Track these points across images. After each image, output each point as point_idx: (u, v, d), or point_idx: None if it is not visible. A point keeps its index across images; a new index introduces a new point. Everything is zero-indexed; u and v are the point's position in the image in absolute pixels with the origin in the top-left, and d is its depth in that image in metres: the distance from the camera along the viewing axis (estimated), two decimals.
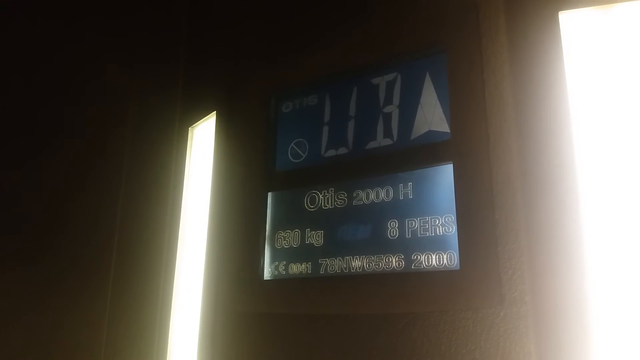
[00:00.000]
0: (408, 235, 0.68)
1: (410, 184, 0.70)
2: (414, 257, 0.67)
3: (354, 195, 0.74)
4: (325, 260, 0.74)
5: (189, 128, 1.01)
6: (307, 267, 0.75)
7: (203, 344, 0.81)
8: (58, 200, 1.19)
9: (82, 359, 1.02)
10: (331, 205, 0.76)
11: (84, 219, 1.13)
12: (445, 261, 0.64)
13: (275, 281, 0.78)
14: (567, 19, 0.65)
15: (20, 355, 1.12)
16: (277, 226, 0.80)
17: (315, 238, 0.76)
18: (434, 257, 0.65)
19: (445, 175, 0.67)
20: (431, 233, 0.66)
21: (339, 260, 0.73)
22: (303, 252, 0.76)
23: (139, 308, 0.95)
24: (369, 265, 0.70)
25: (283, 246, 0.79)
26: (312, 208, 0.78)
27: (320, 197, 0.77)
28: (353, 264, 0.71)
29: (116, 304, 1.00)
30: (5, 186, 1.30)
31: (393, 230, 0.69)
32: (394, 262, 0.68)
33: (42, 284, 1.14)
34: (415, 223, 0.68)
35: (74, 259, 1.11)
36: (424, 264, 0.66)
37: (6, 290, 1.19)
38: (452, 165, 0.65)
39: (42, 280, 1.14)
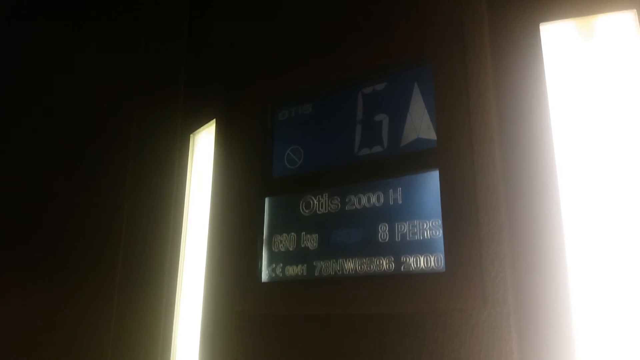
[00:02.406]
0: (398, 238, 0.71)
1: (399, 189, 0.73)
2: (403, 259, 0.70)
3: (347, 200, 0.77)
4: (320, 263, 0.77)
5: (191, 135, 1.04)
6: (302, 270, 0.79)
7: (204, 343, 0.85)
8: (66, 206, 1.23)
9: (90, 357, 1.05)
10: (325, 210, 0.79)
11: (90, 225, 1.17)
12: (432, 263, 0.67)
13: (273, 283, 0.81)
14: (548, 31, 0.68)
15: (30, 355, 1.16)
16: (274, 230, 0.84)
17: (311, 241, 0.79)
18: (422, 259, 0.68)
19: (432, 181, 0.70)
20: (419, 236, 0.69)
21: (333, 262, 0.76)
22: (299, 255, 0.80)
23: (144, 309, 0.98)
24: (361, 268, 0.73)
25: (280, 249, 0.82)
26: (307, 213, 0.81)
27: (315, 202, 0.80)
28: (346, 266, 0.74)
29: (122, 305, 1.04)
30: (13, 193, 1.34)
31: (384, 234, 0.72)
32: (385, 264, 0.71)
33: (51, 287, 1.18)
34: (405, 227, 0.71)
35: (81, 263, 1.15)
36: (413, 266, 0.69)
37: (15, 293, 1.22)
38: (438, 171, 0.68)
39: (51, 284, 1.18)
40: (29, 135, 1.39)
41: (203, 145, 1.04)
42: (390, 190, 0.73)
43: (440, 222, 0.67)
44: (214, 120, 0.98)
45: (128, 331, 1.00)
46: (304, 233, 0.80)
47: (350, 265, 0.74)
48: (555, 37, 0.68)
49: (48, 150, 1.33)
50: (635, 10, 0.64)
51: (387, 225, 0.72)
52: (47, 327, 1.15)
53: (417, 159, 0.72)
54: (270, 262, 0.82)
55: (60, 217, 1.24)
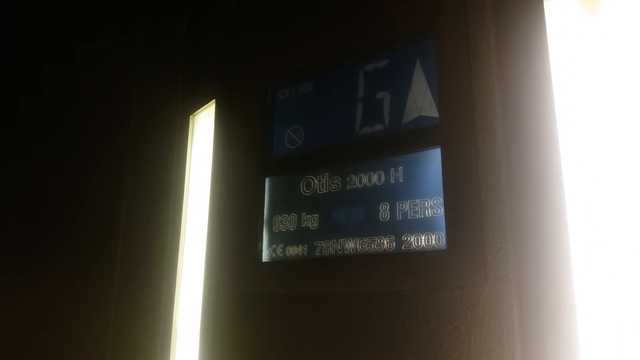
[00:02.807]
0: (399, 217, 0.71)
1: (401, 168, 0.72)
2: (404, 238, 0.69)
3: (348, 179, 0.77)
4: (321, 243, 0.77)
5: (190, 116, 1.03)
6: (303, 250, 0.78)
7: (205, 322, 0.85)
8: (64, 191, 1.22)
9: (90, 336, 1.06)
10: (326, 190, 0.79)
11: (90, 208, 1.17)
12: (433, 242, 0.67)
13: (273, 263, 0.81)
14: (552, 7, 0.67)
15: (30, 343, 1.16)
16: (274, 210, 0.83)
17: (311, 221, 0.79)
18: (423, 238, 0.68)
19: (434, 159, 0.69)
20: (420, 215, 0.69)
21: (334, 242, 0.76)
22: (299, 235, 0.79)
23: (145, 290, 0.98)
24: (361, 247, 0.73)
25: (280, 229, 0.82)
26: (307, 193, 0.80)
27: (316, 182, 0.80)
28: (347, 246, 0.74)
29: (123, 286, 1.04)
30: (10, 181, 1.33)
31: (385, 213, 0.72)
32: (386, 243, 0.71)
33: (52, 265, 1.18)
34: (406, 206, 0.70)
35: (81, 244, 1.15)
36: (414, 244, 0.68)
37: (15, 284, 1.23)
38: (439, 149, 0.68)
39: (51, 260, 1.18)
40: (26, 121, 1.38)
41: (202, 127, 1.03)
42: (392, 169, 0.73)
43: (441, 200, 0.67)
44: (214, 101, 0.97)
45: (129, 312, 1.00)
46: (304, 213, 0.80)
47: (351, 244, 0.74)
48: (560, 13, 0.67)
49: (45, 136, 1.33)
50: None
51: (388, 204, 0.72)
52: (47, 312, 1.16)
53: (418, 137, 0.71)
54: (270, 243, 0.82)
55: (59, 201, 1.24)
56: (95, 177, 1.18)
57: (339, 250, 0.75)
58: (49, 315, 1.16)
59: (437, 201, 0.68)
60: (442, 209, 0.66)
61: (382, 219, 0.72)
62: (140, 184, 1.09)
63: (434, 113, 0.71)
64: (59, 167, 1.25)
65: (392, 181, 0.73)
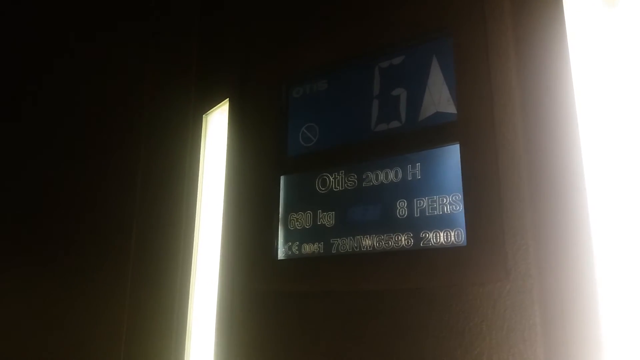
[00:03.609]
0: (417, 214, 0.70)
1: (418, 164, 0.72)
2: (422, 235, 0.69)
3: (364, 177, 0.76)
4: (337, 240, 0.76)
5: (203, 115, 1.03)
6: (319, 247, 0.78)
7: (220, 319, 0.85)
8: (77, 192, 1.23)
9: (104, 337, 1.06)
10: (341, 187, 0.78)
11: (102, 208, 1.17)
12: (452, 238, 0.66)
13: (289, 260, 0.80)
14: (571, 1, 0.66)
15: (44, 341, 1.17)
16: (289, 208, 0.83)
17: (327, 219, 0.78)
18: (442, 234, 0.67)
19: (452, 155, 0.68)
20: (439, 212, 0.68)
21: (350, 239, 0.75)
22: (315, 233, 0.79)
23: (158, 289, 0.98)
24: (379, 244, 0.72)
25: (296, 227, 0.81)
26: (323, 190, 0.80)
27: (331, 179, 0.79)
28: (364, 243, 0.74)
29: (136, 286, 1.04)
30: (24, 179, 1.34)
31: (402, 210, 0.71)
32: (403, 240, 0.70)
33: (66, 268, 1.18)
34: (424, 202, 0.70)
35: (94, 244, 1.15)
36: (433, 241, 0.68)
37: (29, 276, 1.23)
38: (458, 145, 0.67)
39: (65, 266, 1.19)
40: (37, 119, 1.39)
41: (215, 126, 1.03)
42: (409, 166, 0.72)
43: (460, 196, 0.66)
44: (227, 100, 0.97)
45: (142, 310, 1.00)
46: (320, 211, 0.79)
47: (368, 241, 0.73)
48: (578, 5, 0.66)
49: (56, 135, 1.33)
50: None
51: (405, 201, 0.71)
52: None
53: (436, 133, 0.70)
54: (286, 240, 0.82)
55: (71, 203, 1.24)
56: (106, 181, 1.18)
57: (356, 248, 0.74)
58: (62, 315, 1.16)
59: (456, 197, 0.67)
60: (462, 205, 0.66)
61: (400, 215, 0.71)
62: (154, 183, 1.09)
63: (452, 109, 0.70)
64: (71, 167, 1.26)
65: (410, 178, 0.72)
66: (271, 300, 0.80)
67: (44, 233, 1.26)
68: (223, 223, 0.89)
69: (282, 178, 0.85)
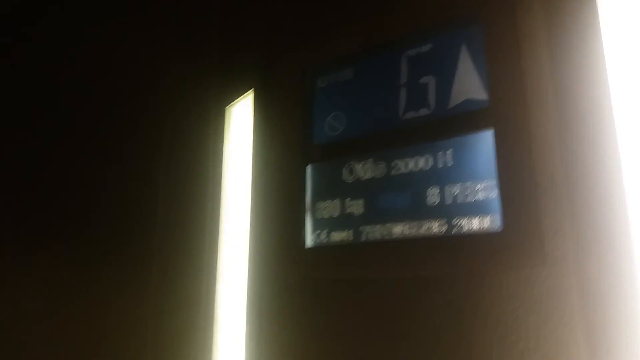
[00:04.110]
0: (449, 201, 0.70)
1: (449, 151, 0.71)
2: (455, 221, 0.69)
3: (392, 165, 0.76)
4: (366, 228, 0.76)
5: (226, 108, 1.03)
6: (348, 235, 0.78)
7: (250, 308, 0.85)
8: (99, 186, 1.24)
9: (130, 332, 1.06)
10: (369, 176, 0.78)
11: (127, 203, 1.17)
12: (487, 224, 0.66)
13: (318, 248, 0.81)
14: None
15: (68, 340, 1.17)
16: (317, 197, 0.83)
17: (356, 207, 0.78)
18: (476, 220, 0.67)
19: (484, 141, 0.68)
20: (472, 198, 0.68)
21: (380, 226, 0.75)
22: (344, 221, 0.79)
23: (185, 282, 0.98)
24: (410, 231, 0.72)
25: (323, 216, 0.81)
26: (350, 179, 0.80)
27: (359, 167, 0.79)
28: (394, 230, 0.74)
29: (161, 280, 1.04)
30: (49, 170, 1.35)
31: (433, 197, 0.71)
32: (436, 226, 0.70)
33: (91, 256, 1.19)
34: (456, 189, 0.70)
35: (117, 239, 1.16)
36: (466, 227, 0.68)
37: (56, 270, 1.24)
38: (492, 131, 0.67)
39: (91, 253, 1.19)
40: (61, 113, 1.40)
41: (239, 118, 1.03)
42: (440, 153, 0.72)
43: (494, 182, 0.66)
44: (251, 90, 0.97)
45: (169, 305, 1.01)
46: (348, 199, 0.79)
47: (398, 229, 0.73)
48: None
49: (79, 129, 1.34)
50: None
51: (437, 188, 0.71)
52: (87, 300, 1.17)
53: (468, 119, 0.70)
54: (314, 229, 0.82)
55: (94, 197, 1.25)
56: (132, 171, 1.18)
57: (386, 235, 0.74)
58: (84, 311, 1.17)
59: (489, 183, 0.67)
60: (496, 191, 0.66)
61: (431, 203, 0.71)
62: (177, 175, 1.09)
63: (483, 96, 0.70)
64: (93, 163, 1.26)
65: (441, 165, 0.72)
66: (301, 288, 0.80)
67: (72, 229, 1.27)
68: (251, 213, 0.89)
69: (308, 167, 0.85)
